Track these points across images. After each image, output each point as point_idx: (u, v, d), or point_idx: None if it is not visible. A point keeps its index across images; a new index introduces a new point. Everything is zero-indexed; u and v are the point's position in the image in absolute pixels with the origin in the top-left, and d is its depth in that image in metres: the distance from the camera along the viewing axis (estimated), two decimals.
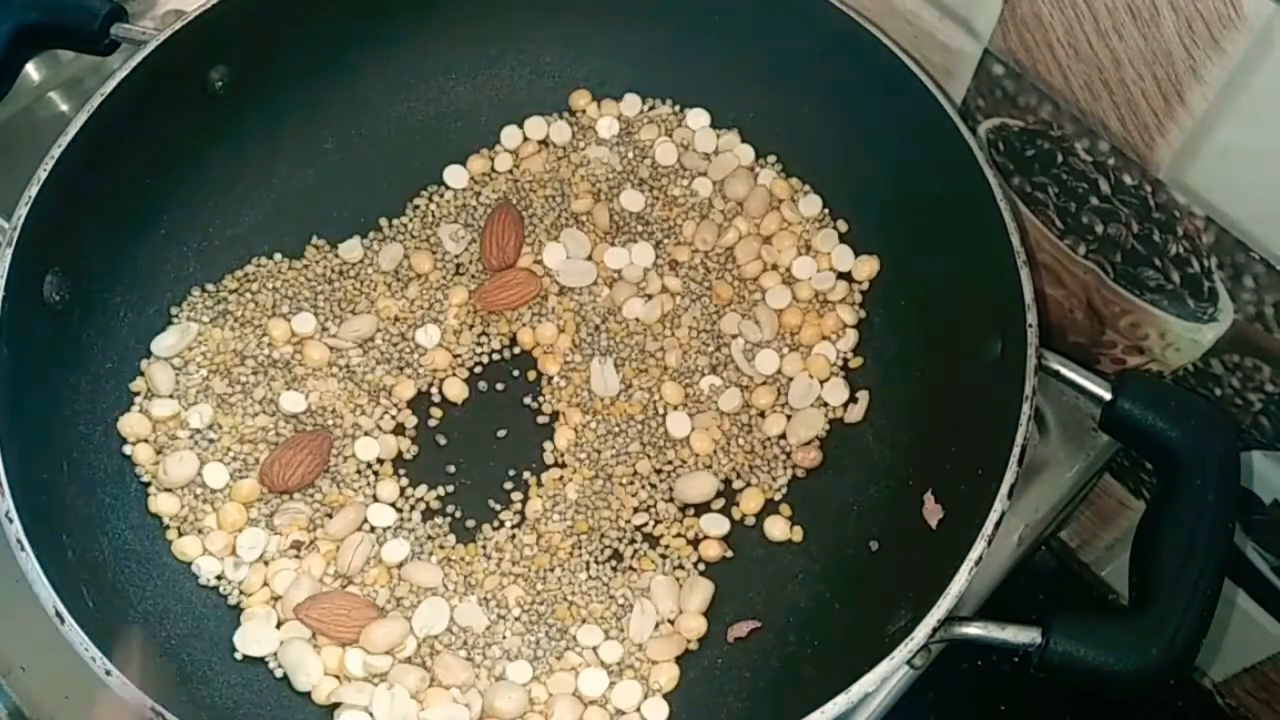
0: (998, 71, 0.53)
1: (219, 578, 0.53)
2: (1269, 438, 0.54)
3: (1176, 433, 0.48)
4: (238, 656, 0.51)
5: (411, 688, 0.50)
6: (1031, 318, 0.48)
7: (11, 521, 0.45)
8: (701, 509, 0.56)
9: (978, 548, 0.45)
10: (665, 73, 0.64)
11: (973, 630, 0.45)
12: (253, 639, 0.52)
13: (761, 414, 0.57)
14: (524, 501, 0.56)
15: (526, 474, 0.56)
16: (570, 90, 0.65)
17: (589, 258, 0.61)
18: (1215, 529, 0.46)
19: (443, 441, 0.57)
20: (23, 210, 0.50)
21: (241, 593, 0.53)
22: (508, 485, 0.56)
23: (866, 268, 0.60)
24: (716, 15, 0.61)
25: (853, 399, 0.58)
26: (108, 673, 0.43)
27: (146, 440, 0.55)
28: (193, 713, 0.44)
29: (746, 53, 0.61)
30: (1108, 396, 0.49)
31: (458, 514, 0.55)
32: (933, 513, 0.51)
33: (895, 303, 0.59)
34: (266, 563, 0.53)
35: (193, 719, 0.43)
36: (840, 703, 0.43)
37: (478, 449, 0.57)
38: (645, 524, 0.55)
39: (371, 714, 0.50)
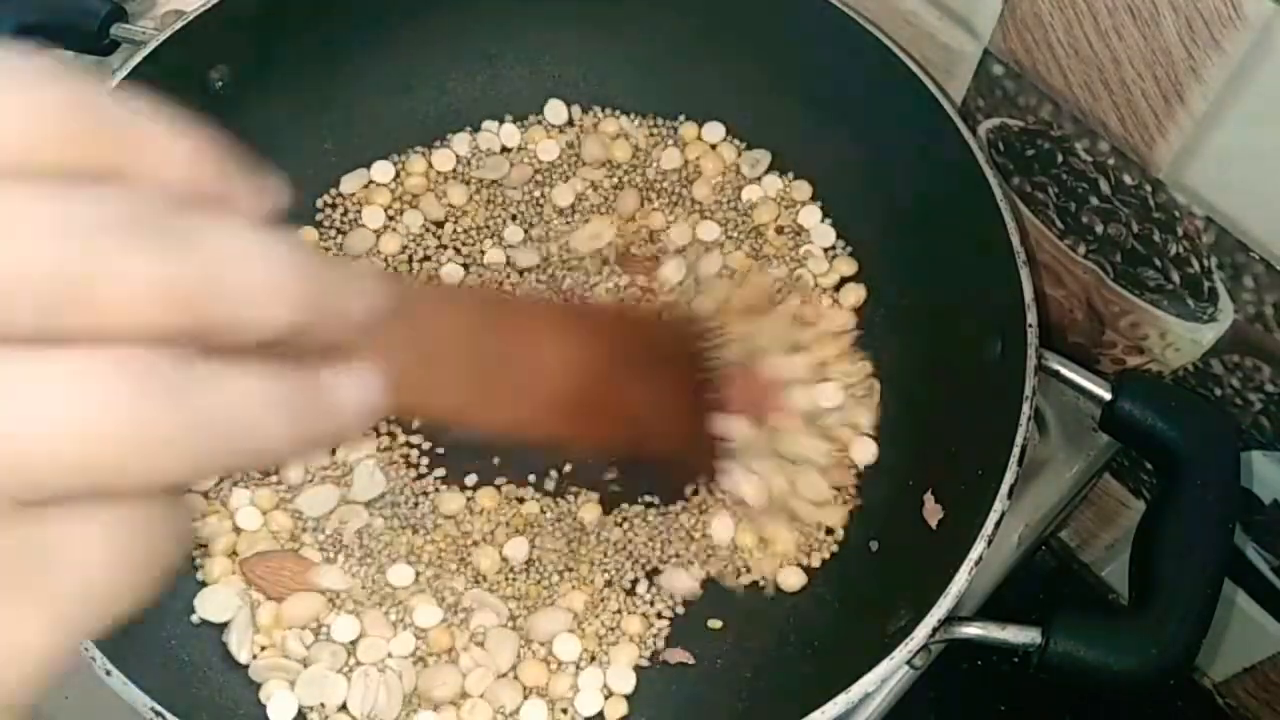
0: (998, 71, 0.53)
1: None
2: (1269, 438, 0.54)
3: (1176, 433, 0.48)
4: (240, 658, 0.51)
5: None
6: (1031, 318, 0.48)
7: None
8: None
9: (978, 548, 0.45)
10: (664, 73, 0.64)
11: (973, 630, 0.45)
12: (212, 604, 0.52)
13: None
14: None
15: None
16: (572, 90, 0.65)
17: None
18: (1215, 529, 0.46)
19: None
20: None
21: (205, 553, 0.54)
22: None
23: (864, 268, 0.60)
24: (715, 16, 0.61)
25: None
26: (108, 673, 0.43)
27: None
28: (193, 713, 0.44)
29: (746, 53, 0.61)
30: (1108, 396, 0.49)
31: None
32: (933, 513, 0.51)
33: (895, 303, 0.59)
34: (238, 531, 0.54)
35: (193, 719, 0.43)
36: (840, 703, 0.43)
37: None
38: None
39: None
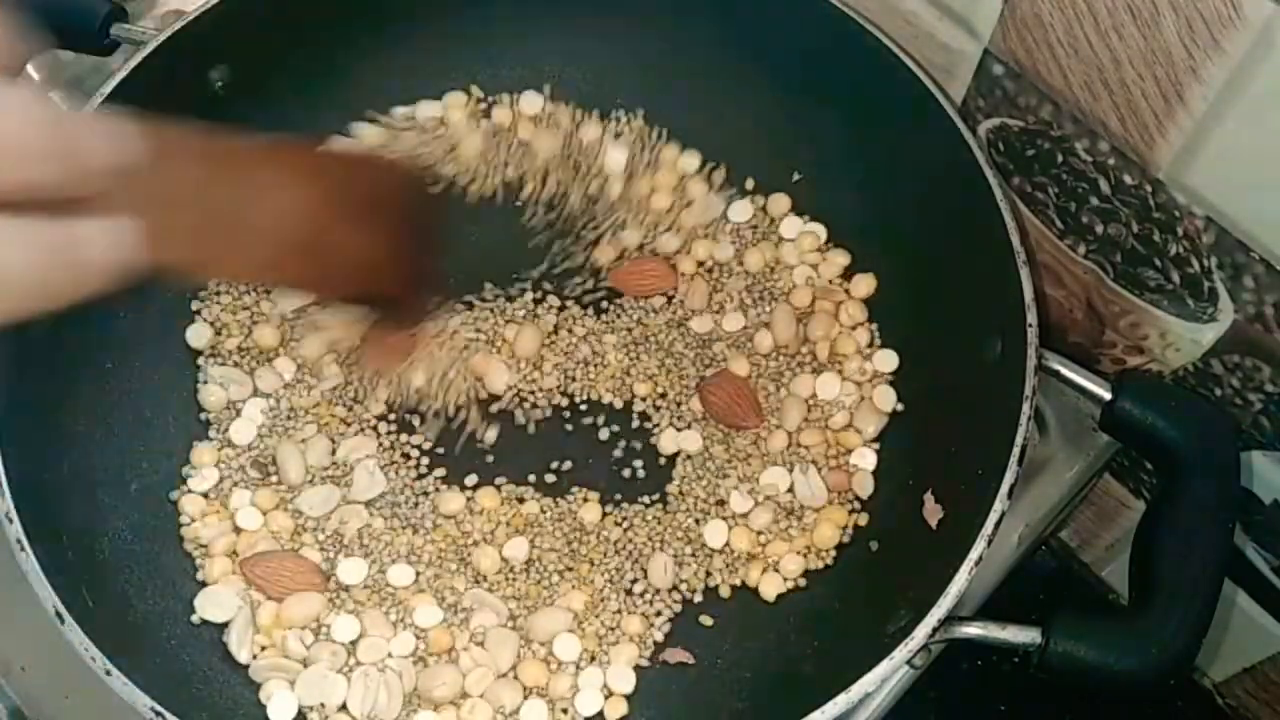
0: (998, 71, 0.53)
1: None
2: (1269, 438, 0.54)
3: (1176, 433, 0.48)
4: (240, 658, 0.51)
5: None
6: (1031, 318, 0.48)
7: (11, 521, 0.45)
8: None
9: (978, 548, 0.45)
10: (664, 74, 0.64)
11: (973, 630, 0.45)
12: (212, 604, 0.52)
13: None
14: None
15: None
16: (571, 90, 0.65)
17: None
18: (1215, 529, 0.46)
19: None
20: None
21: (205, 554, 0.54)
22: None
23: (862, 269, 0.60)
24: (715, 16, 0.61)
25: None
26: (108, 673, 0.43)
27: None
28: (193, 713, 0.44)
29: (746, 53, 0.61)
30: (1108, 396, 0.49)
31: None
32: (933, 513, 0.51)
33: (895, 303, 0.59)
34: (238, 531, 0.54)
35: (193, 719, 0.43)
36: (840, 703, 0.43)
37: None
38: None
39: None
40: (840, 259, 0.60)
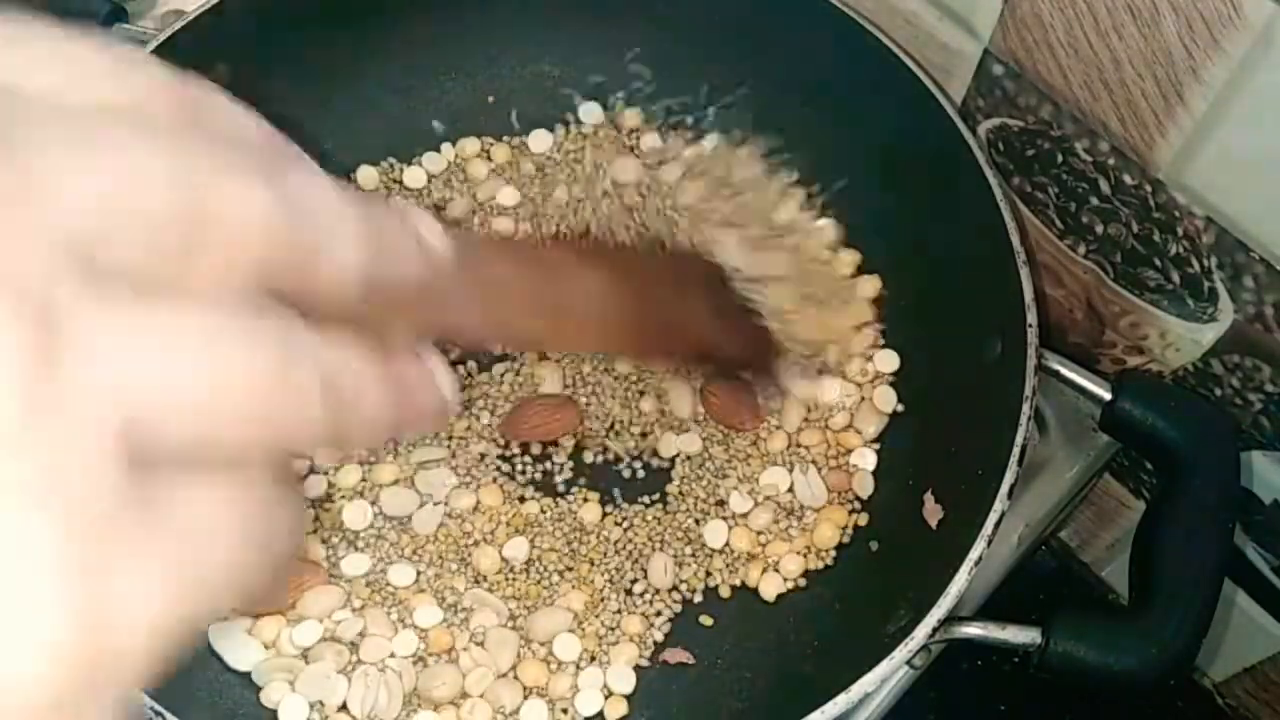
0: (998, 71, 0.53)
1: None
2: (1269, 438, 0.54)
3: (1176, 433, 0.48)
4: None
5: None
6: (1031, 318, 0.48)
7: None
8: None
9: (978, 548, 0.45)
10: (663, 74, 0.64)
11: (973, 630, 0.45)
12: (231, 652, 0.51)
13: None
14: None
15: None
16: (570, 91, 0.65)
17: None
18: (1215, 529, 0.46)
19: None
20: None
21: None
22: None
23: (865, 270, 0.60)
24: (716, 17, 0.61)
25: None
26: None
27: None
28: (193, 713, 0.44)
29: (745, 54, 0.61)
30: (1108, 396, 0.49)
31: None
32: (933, 513, 0.51)
33: (895, 303, 0.59)
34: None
35: (193, 719, 0.43)
36: (840, 703, 0.43)
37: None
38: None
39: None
40: (849, 258, 0.60)
